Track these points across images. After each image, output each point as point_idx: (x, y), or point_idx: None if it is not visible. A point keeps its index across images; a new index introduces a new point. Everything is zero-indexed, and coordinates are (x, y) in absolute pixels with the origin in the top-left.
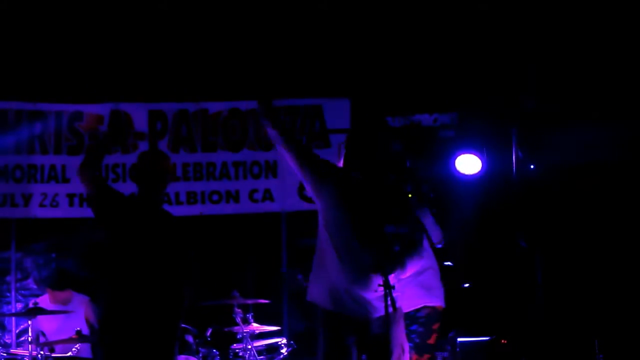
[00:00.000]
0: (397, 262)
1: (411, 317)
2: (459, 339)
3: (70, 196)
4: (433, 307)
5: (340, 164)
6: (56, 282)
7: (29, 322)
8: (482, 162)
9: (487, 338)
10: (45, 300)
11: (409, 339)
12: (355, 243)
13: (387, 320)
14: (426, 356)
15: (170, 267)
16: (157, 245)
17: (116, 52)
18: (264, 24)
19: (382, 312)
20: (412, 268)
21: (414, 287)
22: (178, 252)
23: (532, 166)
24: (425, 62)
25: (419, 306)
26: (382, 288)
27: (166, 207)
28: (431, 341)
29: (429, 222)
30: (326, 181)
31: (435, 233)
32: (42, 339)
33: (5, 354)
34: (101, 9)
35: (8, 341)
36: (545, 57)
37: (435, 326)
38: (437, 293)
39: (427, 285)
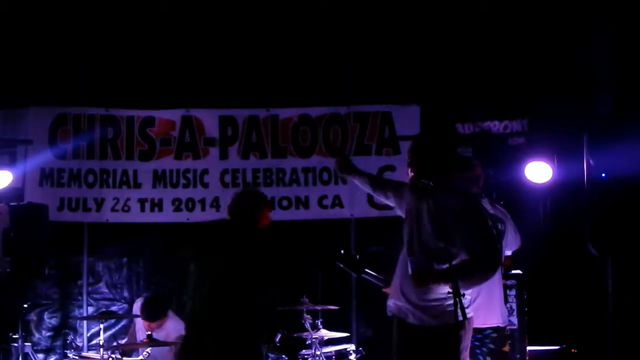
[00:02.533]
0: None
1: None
2: (529, 348)
3: (142, 201)
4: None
5: (409, 171)
6: (150, 314)
7: (101, 326)
8: (552, 169)
9: (557, 347)
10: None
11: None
12: (405, 252)
13: (457, 328)
14: None
15: (244, 282)
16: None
17: (188, 59)
18: (335, 32)
19: (426, 322)
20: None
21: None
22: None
23: (603, 174)
24: (495, 69)
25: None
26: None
27: None
28: None
29: (510, 227)
30: (403, 200)
31: (514, 240)
32: (113, 342)
33: (77, 357)
34: (173, 17)
35: (79, 344)
36: (618, 61)
37: (506, 348)
38: (494, 313)
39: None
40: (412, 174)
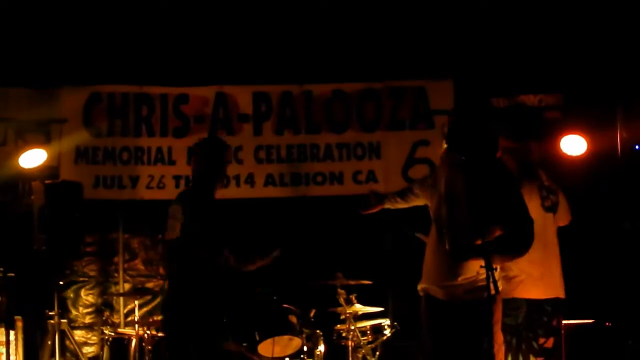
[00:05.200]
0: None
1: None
2: (565, 322)
3: (177, 178)
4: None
5: (443, 145)
6: None
7: (136, 303)
8: (587, 142)
9: (592, 321)
10: None
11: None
12: (436, 231)
13: (489, 302)
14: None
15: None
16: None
17: (221, 36)
18: (366, 7)
19: (457, 298)
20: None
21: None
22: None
23: (637, 146)
24: (529, 42)
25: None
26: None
27: (271, 188)
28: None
29: (563, 200)
30: (429, 187)
31: (566, 214)
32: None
33: (113, 334)
34: None
35: (116, 321)
36: None
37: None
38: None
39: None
40: (445, 146)
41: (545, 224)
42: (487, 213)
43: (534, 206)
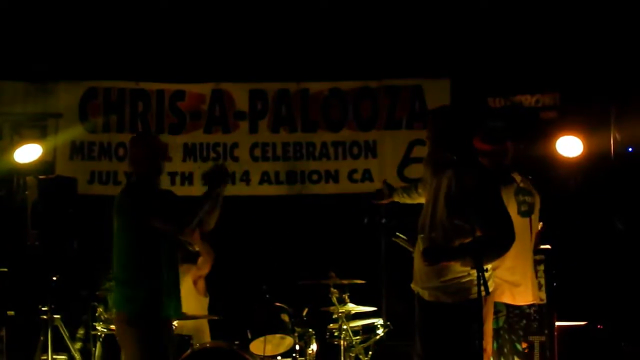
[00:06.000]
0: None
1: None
2: (557, 323)
3: (172, 175)
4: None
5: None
6: None
7: None
8: (583, 144)
9: (584, 323)
10: None
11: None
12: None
13: (474, 304)
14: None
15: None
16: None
17: (218, 33)
18: (364, 5)
19: (441, 299)
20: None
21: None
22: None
23: (630, 149)
24: (526, 42)
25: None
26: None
27: (266, 186)
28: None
29: (538, 202)
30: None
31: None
32: None
33: (105, 330)
34: None
35: (109, 317)
36: None
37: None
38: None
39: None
40: (430, 147)
41: (522, 230)
42: (467, 215)
43: (510, 212)
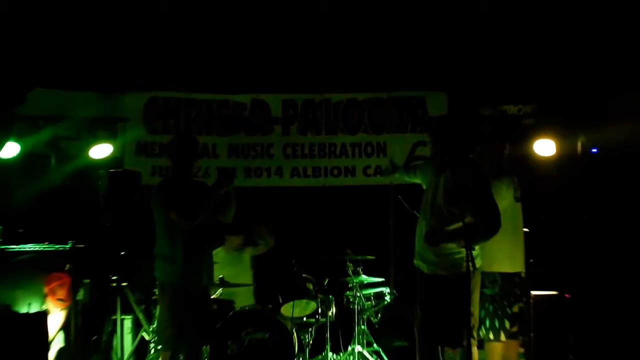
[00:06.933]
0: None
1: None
2: (533, 292)
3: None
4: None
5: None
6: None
7: None
8: (556, 145)
9: (554, 293)
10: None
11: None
12: (425, 214)
13: (466, 277)
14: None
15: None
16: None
17: (258, 53)
18: (379, 31)
19: (438, 273)
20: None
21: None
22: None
23: (593, 150)
24: (510, 61)
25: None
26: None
27: (296, 179)
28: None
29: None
30: (426, 174)
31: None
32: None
33: None
34: (245, 18)
35: None
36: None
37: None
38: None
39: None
40: (433, 150)
41: (515, 212)
42: (463, 206)
43: (508, 197)
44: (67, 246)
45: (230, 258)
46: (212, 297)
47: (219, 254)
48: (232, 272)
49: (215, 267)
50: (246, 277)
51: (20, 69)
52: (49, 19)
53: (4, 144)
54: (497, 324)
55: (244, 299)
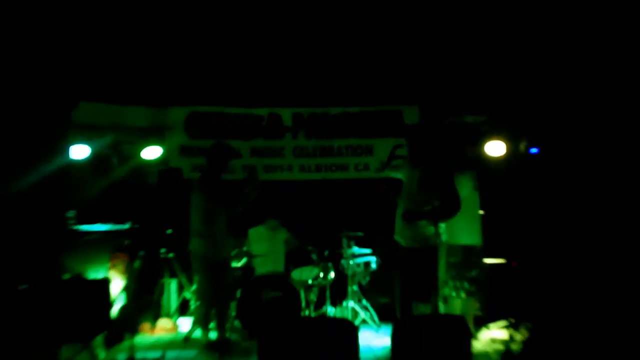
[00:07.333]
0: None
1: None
2: (486, 260)
3: (244, 166)
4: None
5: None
6: None
7: None
8: (505, 147)
9: (504, 261)
10: None
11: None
12: (403, 200)
13: (435, 249)
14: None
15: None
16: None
17: (274, 78)
18: (366, 60)
19: (413, 246)
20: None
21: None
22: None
23: (531, 150)
24: (468, 82)
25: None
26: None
27: (303, 174)
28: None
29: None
30: (404, 170)
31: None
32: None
33: None
34: (264, 54)
35: None
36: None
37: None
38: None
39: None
40: (409, 151)
41: (473, 198)
42: (432, 193)
43: (468, 187)
44: (126, 226)
45: (268, 236)
46: (238, 265)
47: (262, 233)
48: (267, 247)
49: (255, 242)
50: (279, 251)
51: (79, 85)
52: (107, 44)
53: (65, 147)
54: (458, 285)
55: (272, 266)
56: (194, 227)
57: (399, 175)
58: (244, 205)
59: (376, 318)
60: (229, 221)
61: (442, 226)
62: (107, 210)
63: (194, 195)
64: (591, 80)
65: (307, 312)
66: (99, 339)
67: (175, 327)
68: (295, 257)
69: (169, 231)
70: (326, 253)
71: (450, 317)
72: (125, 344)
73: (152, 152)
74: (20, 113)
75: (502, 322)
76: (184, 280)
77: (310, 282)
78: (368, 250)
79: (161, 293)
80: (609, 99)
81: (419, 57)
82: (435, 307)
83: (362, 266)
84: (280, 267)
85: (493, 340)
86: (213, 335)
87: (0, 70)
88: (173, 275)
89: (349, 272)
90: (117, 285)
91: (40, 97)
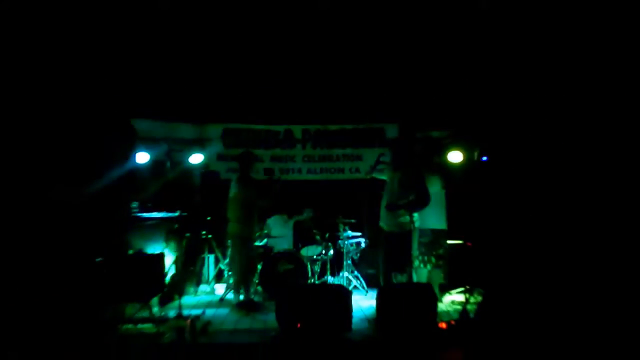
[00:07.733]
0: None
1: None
2: (449, 241)
3: (266, 169)
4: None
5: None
6: None
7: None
8: (463, 155)
9: (462, 242)
10: None
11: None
12: (386, 195)
13: (410, 233)
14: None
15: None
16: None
17: (287, 99)
18: (358, 88)
19: (393, 230)
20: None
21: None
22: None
23: (483, 158)
24: (435, 104)
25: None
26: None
27: (310, 175)
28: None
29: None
30: (387, 172)
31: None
32: None
33: None
34: (280, 80)
35: None
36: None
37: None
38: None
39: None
40: (391, 158)
41: (441, 194)
42: (408, 189)
43: (437, 186)
44: (176, 214)
45: (282, 222)
46: (260, 244)
47: (277, 221)
48: (280, 231)
49: (274, 227)
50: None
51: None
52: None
53: (131, 154)
54: (426, 259)
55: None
56: (232, 215)
57: (383, 176)
58: (272, 198)
59: (365, 285)
60: (257, 210)
61: (416, 215)
62: (162, 202)
63: (232, 191)
64: (526, 106)
65: (312, 280)
66: (155, 299)
67: (212, 290)
68: (304, 238)
69: (209, 218)
70: (327, 235)
71: (421, 285)
72: (175, 303)
73: (196, 158)
74: (100, 131)
75: (461, 289)
76: (219, 255)
77: (315, 257)
78: (359, 233)
79: (202, 265)
80: (538, 121)
81: (398, 88)
82: (410, 277)
83: (354, 245)
84: (291, 246)
85: (453, 302)
86: (241, 297)
87: (88, 100)
88: (211, 251)
89: (344, 250)
90: (169, 258)
91: (115, 119)
